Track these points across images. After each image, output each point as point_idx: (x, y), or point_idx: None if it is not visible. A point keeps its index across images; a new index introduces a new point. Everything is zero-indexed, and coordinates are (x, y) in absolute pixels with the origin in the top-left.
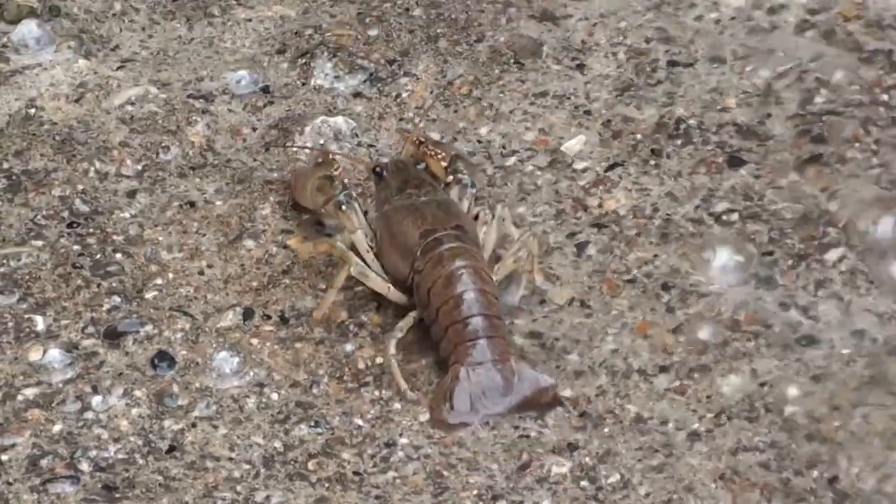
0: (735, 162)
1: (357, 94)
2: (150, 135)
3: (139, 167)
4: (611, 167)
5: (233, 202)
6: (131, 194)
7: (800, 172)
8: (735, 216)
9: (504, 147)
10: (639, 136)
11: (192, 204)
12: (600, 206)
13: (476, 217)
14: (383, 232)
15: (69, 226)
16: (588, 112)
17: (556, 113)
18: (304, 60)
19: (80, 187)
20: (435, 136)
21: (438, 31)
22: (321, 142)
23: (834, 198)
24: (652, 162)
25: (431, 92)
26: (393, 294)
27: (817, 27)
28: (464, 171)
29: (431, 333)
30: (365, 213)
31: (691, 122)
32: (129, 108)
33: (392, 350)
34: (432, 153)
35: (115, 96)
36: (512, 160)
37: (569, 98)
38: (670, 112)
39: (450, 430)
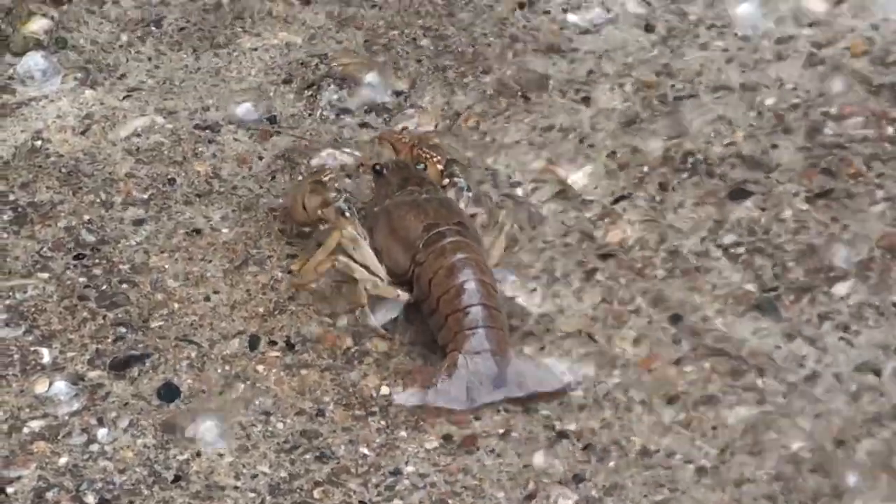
0: (740, 194)
1: (363, 125)
2: (156, 166)
3: (145, 196)
4: (617, 199)
5: (238, 229)
6: (137, 223)
7: (806, 205)
8: (741, 249)
9: (510, 177)
10: (645, 169)
11: (197, 231)
12: (606, 237)
13: (473, 217)
14: (383, 226)
15: (75, 257)
16: (594, 144)
17: (562, 145)
18: (310, 91)
19: (86, 217)
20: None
21: (445, 62)
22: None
23: (842, 231)
24: (658, 196)
25: (437, 123)
26: (383, 289)
27: (825, 59)
28: (459, 175)
29: (431, 324)
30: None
31: (698, 155)
32: (136, 139)
33: (363, 299)
34: (428, 156)
35: (121, 127)
36: (518, 191)
37: (575, 130)
38: (677, 145)
39: (440, 415)
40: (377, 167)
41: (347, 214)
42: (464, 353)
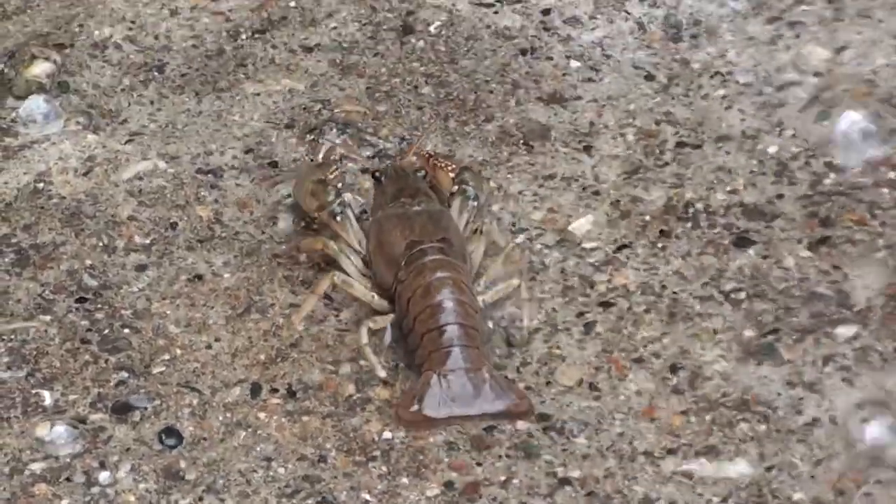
0: (743, 243)
1: (365, 171)
2: (158, 209)
3: (147, 241)
4: (619, 248)
5: (240, 275)
6: (140, 268)
7: (808, 253)
8: (742, 294)
9: (514, 225)
10: (647, 217)
11: (199, 277)
12: (609, 284)
13: (475, 231)
14: (374, 239)
15: (77, 301)
16: (597, 193)
17: (564, 194)
18: (312, 136)
19: (88, 262)
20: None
21: (447, 110)
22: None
23: (843, 279)
24: (660, 243)
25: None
26: (377, 303)
27: (826, 104)
28: (470, 183)
29: (408, 343)
30: (363, 213)
31: (699, 204)
32: (138, 182)
33: (364, 339)
34: (441, 164)
35: (123, 170)
36: (521, 238)
37: (577, 180)
38: (679, 194)
39: (415, 428)
40: (376, 174)
41: (339, 218)
42: (437, 373)
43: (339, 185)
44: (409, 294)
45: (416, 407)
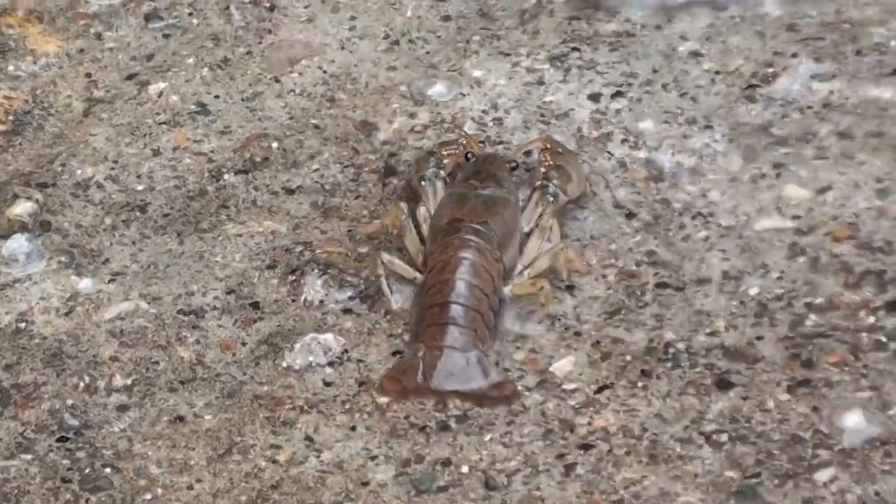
0: (724, 385)
1: (347, 311)
2: (140, 349)
3: (129, 381)
4: (600, 389)
5: (222, 416)
6: (121, 408)
7: (788, 395)
8: (724, 437)
9: (497, 365)
10: (628, 358)
11: (181, 418)
12: (589, 427)
13: (540, 217)
14: (434, 212)
15: (59, 440)
16: (578, 333)
17: (545, 335)
18: (293, 277)
19: (69, 401)
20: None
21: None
22: (310, 359)
23: (824, 421)
24: (641, 384)
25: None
26: (420, 281)
27: (807, 247)
28: (554, 181)
29: (417, 316)
30: None
31: (679, 345)
32: (120, 322)
33: (380, 270)
34: (543, 158)
35: (105, 310)
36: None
37: (559, 320)
38: (659, 335)
39: (397, 397)
40: (468, 155)
41: (424, 183)
42: (428, 347)
43: (445, 161)
44: (431, 266)
45: (399, 376)
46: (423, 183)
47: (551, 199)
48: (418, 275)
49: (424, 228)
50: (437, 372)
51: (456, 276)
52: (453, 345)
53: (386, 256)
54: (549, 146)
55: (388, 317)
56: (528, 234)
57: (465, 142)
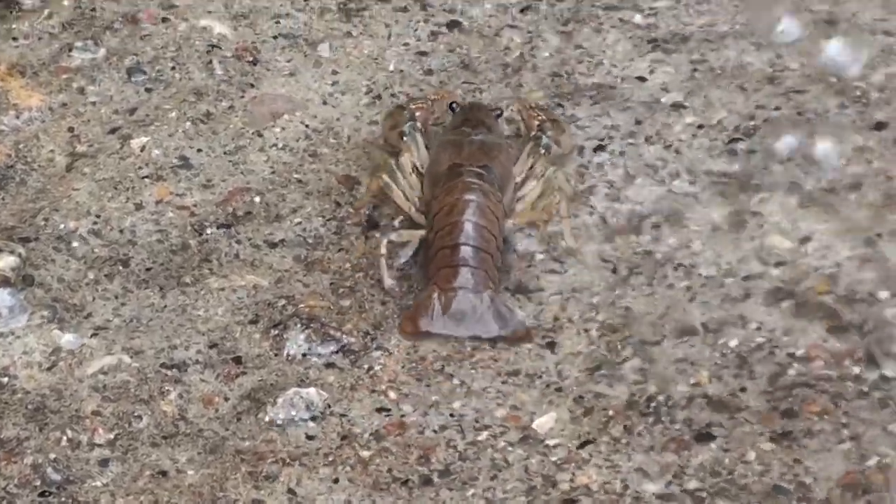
0: (705, 437)
1: (329, 365)
2: (122, 404)
3: (111, 436)
4: (582, 444)
5: (204, 472)
6: (103, 463)
7: (770, 446)
8: (704, 494)
9: (477, 422)
10: (610, 413)
11: (163, 473)
12: (572, 482)
13: (535, 173)
14: (430, 158)
15: (41, 494)
16: (559, 389)
17: (527, 391)
18: (276, 331)
19: (52, 456)
20: (407, 407)
21: (411, 303)
22: (292, 413)
23: (805, 473)
24: (623, 439)
25: (403, 366)
26: (415, 214)
27: (789, 298)
28: (547, 133)
29: (426, 259)
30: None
31: (660, 398)
32: (102, 376)
33: (383, 250)
34: (535, 113)
35: (87, 365)
36: (484, 435)
37: (540, 377)
38: (641, 389)
39: (414, 337)
40: (453, 104)
41: (405, 138)
42: (442, 289)
43: (417, 114)
44: (436, 210)
45: (414, 318)
46: (403, 137)
47: (543, 151)
48: (413, 207)
49: (411, 179)
50: (451, 313)
51: (464, 217)
52: (466, 286)
53: (384, 179)
54: (531, 105)
55: (371, 372)
56: (523, 183)
57: (434, 97)
